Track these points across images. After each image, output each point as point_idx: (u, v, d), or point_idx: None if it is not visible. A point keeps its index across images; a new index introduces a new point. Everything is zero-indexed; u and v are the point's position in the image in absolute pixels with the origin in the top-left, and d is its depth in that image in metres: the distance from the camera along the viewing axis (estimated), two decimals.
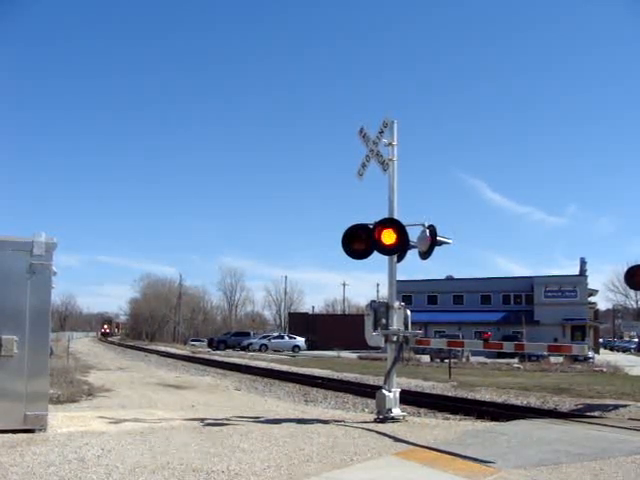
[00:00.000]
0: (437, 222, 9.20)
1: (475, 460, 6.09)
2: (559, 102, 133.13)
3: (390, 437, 7.42)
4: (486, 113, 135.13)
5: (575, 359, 35.37)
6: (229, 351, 52.33)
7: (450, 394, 16.91)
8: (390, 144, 9.49)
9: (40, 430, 7.05)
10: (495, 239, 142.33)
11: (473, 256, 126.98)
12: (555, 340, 48.19)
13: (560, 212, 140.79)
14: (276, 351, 51.61)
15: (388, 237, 8.77)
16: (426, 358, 37.89)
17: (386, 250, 8.95)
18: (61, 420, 8.22)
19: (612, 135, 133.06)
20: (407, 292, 59.58)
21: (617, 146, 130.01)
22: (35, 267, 7.21)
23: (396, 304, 9.22)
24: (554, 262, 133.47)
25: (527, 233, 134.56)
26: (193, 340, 79.78)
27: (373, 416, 9.36)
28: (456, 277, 68.88)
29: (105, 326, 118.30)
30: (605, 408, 12.91)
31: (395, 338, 9.11)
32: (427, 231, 9.16)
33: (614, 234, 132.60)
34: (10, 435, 6.73)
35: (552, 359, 35.32)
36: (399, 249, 9.06)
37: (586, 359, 36.64)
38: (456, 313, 62.87)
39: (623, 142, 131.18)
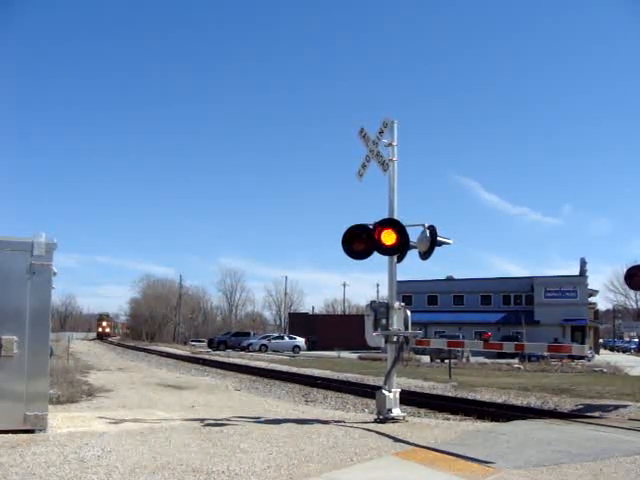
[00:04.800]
0: (434, 223, 9.24)
1: (475, 460, 6.10)
2: (554, 103, 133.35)
3: (390, 437, 7.43)
4: (480, 114, 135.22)
5: (572, 357, 35.42)
6: (229, 351, 52.26)
7: (450, 394, 16.90)
8: (390, 144, 9.50)
9: (40, 430, 7.06)
10: (491, 240, 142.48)
11: (470, 257, 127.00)
12: (555, 340, 48.12)
13: (555, 213, 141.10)
14: (276, 351, 51.57)
15: (388, 237, 8.77)
16: (426, 358, 37.87)
17: (386, 250, 8.95)
18: (61, 420, 8.23)
19: (607, 135, 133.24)
20: (407, 292, 59.61)
21: (612, 146, 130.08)
22: (35, 267, 7.21)
23: (396, 304, 9.22)
24: (551, 262, 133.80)
25: (523, 234, 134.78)
26: (193, 340, 79.71)
27: (373, 416, 9.37)
28: (456, 278, 68.87)
29: (104, 324, 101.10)
30: (605, 408, 12.90)
31: (395, 338, 9.11)
32: (427, 231, 9.17)
33: (611, 234, 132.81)
34: (10, 435, 6.74)
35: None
36: (399, 249, 9.06)
37: (583, 357, 36.59)
38: (456, 313, 62.83)
39: (618, 142, 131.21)
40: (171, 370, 28.06)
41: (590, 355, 39.93)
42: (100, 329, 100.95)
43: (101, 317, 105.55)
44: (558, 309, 57.17)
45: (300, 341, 56.22)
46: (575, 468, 5.80)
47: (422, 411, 13.87)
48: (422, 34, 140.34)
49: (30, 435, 6.86)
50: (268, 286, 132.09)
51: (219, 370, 28.18)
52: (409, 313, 9.36)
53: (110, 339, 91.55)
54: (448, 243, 9.45)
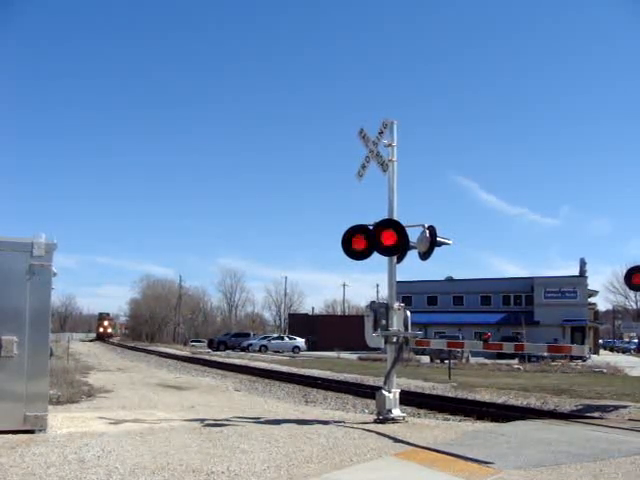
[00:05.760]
0: (433, 223, 9.26)
1: (475, 461, 6.10)
2: (554, 103, 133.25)
3: (390, 438, 7.43)
4: (479, 114, 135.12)
5: (571, 358, 35.48)
6: (229, 352, 52.31)
7: (450, 395, 16.90)
8: (390, 145, 9.50)
9: (40, 431, 7.05)
10: (490, 240, 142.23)
11: (470, 257, 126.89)
12: (555, 341, 48.14)
13: (554, 213, 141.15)
14: (276, 352, 51.59)
15: (388, 238, 8.77)
16: (426, 359, 37.89)
17: (386, 251, 8.96)
18: (61, 421, 8.23)
19: (607, 135, 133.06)
20: (407, 293, 59.60)
21: (612, 146, 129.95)
22: (35, 268, 7.21)
23: (396, 305, 9.22)
24: (550, 263, 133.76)
25: (522, 234, 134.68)
26: (193, 341, 79.61)
27: (373, 417, 9.37)
28: (456, 278, 68.85)
29: (105, 323, 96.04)
30: (605, 409, 12.91)
31: (395, 339, 9.11)
32: (427, 232, 9.18)
33: (611, 235, 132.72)
34: (10, 436, 6.73)
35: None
36: (399, 250, 9.07)
37: (581, 358, 36.58)
38: (456, 314, 62.84)
39: (618, 142, 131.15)
40: (171, 371, 28.07)
41: (588, 356, 39.92)
42: (101, 329, 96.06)
43: (102, 316, 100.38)
44: (558, 310, 57.17)
45: (300, 342, 56.24)
46: (575, 469, 5.80)
47: (422, 411, 13.87)
48: (422, 34, 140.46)
49: (30, 435, 6.86)
50: (268, 287, 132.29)
51: (219, 371, 28.18)
52: (409, 314, 9.36)
53: (111, 340, 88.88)
54: (448, 243, 9.45)
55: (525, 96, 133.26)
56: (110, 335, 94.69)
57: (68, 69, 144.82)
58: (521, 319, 47.85)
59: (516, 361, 36.54)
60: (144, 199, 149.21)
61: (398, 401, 9.08)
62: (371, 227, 8.97)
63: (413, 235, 9.21)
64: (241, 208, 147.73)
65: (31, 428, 7.03)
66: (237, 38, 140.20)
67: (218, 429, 7.77)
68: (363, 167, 9.73)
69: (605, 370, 29.96)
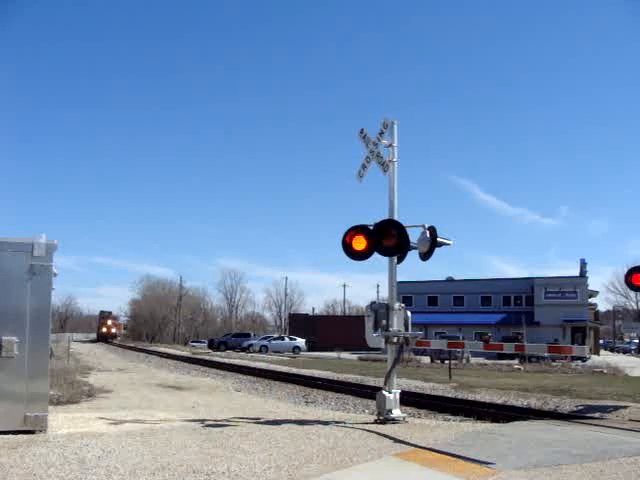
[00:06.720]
0: (433, 223, 9.27)
1: (475, 461, 6.10)
2: (553, 104, 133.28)
3: (390, 438, 7.43)
4: (479, 114, 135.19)
5: (571, 358, 35.51)
6: (229, 352, 52.27)
7: (450, 395, 16.88)
8: (390, 145, 9.50)
9: (40, 431, 7.06)
10: (489, 240, 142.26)
11: (470, 258, 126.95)
12: (555, 341, 48.15)
13: (553, 214, 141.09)
14: (276, 352, 51.58)
15: (388, 238, 8.78)
16: (426, 359, 37.88)
17: (386, 251, 8.96)
18: (61, 421, 8.23)
19: (606, 135, 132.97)
20: (407, 293, 59.59)
21: (611, 146, 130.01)
22: (35, 268, 7.21)
23: (396, 305, 9.22)
24: (550, 263, 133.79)
25: (521, 234, 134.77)
26: (193, 341, 79.60)
27: (373, 417, 9.36)
28: (456, 278, 68.86)
29: (109, 322, 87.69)
30: (605, 409, 12.89)
31: (395, 339, 9.11)
32: (427, 232, 9.18)
33: (610, 235, 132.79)
34: (10, 436, 6.74)
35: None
36: (399, 250, 9.07)
37: (580, 358, 36.57)
38: (456, 314, 62.84)
39: (615, 143, 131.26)
40: (171, 371, 28.05)
41: (588, 356, 39.95)
42: (104, 329, 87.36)
43: (103, 315, 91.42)
44: (558, 310, 57.15)
45: (300, 342, 56.24)
46: (575, 469, 5.80)
47: (422, 412, 13.86)
48: (422, 34, 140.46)
49: (30, 436, 6.86)
50: (268, 287, 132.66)
51: (219, 371, 28.16)
52: (409, 314, 9.36)
53: (114, 340, 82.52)
54: (448, 244, 9.45)
55: (525, 96, 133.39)
56: (114, 335, 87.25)
57: (68, 69, 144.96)
58: (521, 319, 47.87)
59: (516, 361, 36.52)
60: (144, 199, 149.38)
61: (398, 401, 9.08)
62: (371, 227, 8.97)
63: (413, 235, 9.22)
64: (241, 208, 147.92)
65: (31, 428, 7.04)
66: (237, 38, 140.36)
67: (218, 429, 7.77)
68: (363, 167, 9.72)
69: (605, 370, 29.95)
